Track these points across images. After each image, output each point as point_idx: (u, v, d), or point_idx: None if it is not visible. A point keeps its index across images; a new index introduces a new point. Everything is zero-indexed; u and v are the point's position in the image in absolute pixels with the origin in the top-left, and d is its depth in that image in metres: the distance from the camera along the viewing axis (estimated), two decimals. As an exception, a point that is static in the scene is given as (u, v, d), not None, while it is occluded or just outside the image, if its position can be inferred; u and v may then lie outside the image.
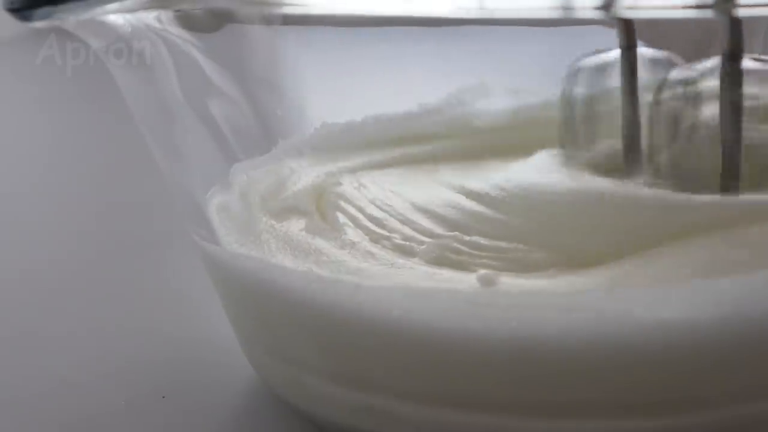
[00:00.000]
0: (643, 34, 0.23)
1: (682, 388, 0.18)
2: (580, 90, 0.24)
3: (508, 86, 0.28)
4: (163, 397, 0.24)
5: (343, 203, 0.24)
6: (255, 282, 0.21)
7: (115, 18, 0.20)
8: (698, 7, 0.16)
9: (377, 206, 0.23)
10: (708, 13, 0.17)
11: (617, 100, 0.23)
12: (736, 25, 0.20)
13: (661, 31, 0.23)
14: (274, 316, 0.21)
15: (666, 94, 0.23)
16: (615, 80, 0.23)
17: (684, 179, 0.21)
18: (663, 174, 0.22)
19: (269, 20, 0.22)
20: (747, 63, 0.21)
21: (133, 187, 0.42)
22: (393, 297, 0.19)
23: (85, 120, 0.57)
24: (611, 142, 0.23)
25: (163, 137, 0.24)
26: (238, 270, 0.22)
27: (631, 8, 0.17)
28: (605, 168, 0.23)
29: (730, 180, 0.21)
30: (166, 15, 0.20)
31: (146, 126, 0.24)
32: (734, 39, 0.20)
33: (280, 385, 0.23)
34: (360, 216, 0.23)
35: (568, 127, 0.24)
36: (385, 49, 0.25)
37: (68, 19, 0.20)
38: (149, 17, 0.20)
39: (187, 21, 0.21)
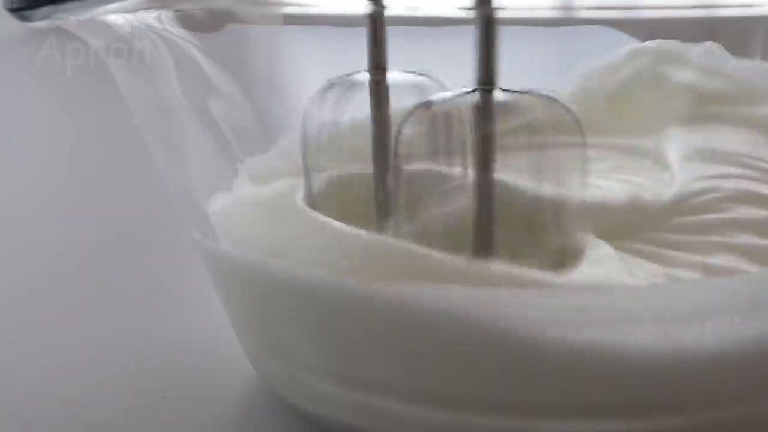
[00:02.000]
0: (645, 33, 0.23)
1: (683, 388, 0.18)
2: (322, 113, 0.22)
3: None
4: (163, 397, 0.24)
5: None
6: (254, 281, 0.21)
7: (115, 18, 0.20)
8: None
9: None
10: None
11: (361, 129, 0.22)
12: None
13: (664, 32, 0.23)
14: (274, 315, 0.21)
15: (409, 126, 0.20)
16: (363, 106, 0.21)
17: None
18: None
19: (269, 20, 0.22)
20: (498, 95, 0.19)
21: (132, 187, 0.42)
22: (392, 295, 0.19)
23: (85, 120, 0.57)
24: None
25: (163, 137, 0.24)
26: (238, 269, 0.22)
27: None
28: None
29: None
30: (166, 15, 0.20)
31: (146, 126, 0.24)
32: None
33: (280, 385, 0.23)
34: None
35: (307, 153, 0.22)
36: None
37: (68, 19, 0.20)
38: (149, 17, 0.20)
39: (187, 21, 0.21)
